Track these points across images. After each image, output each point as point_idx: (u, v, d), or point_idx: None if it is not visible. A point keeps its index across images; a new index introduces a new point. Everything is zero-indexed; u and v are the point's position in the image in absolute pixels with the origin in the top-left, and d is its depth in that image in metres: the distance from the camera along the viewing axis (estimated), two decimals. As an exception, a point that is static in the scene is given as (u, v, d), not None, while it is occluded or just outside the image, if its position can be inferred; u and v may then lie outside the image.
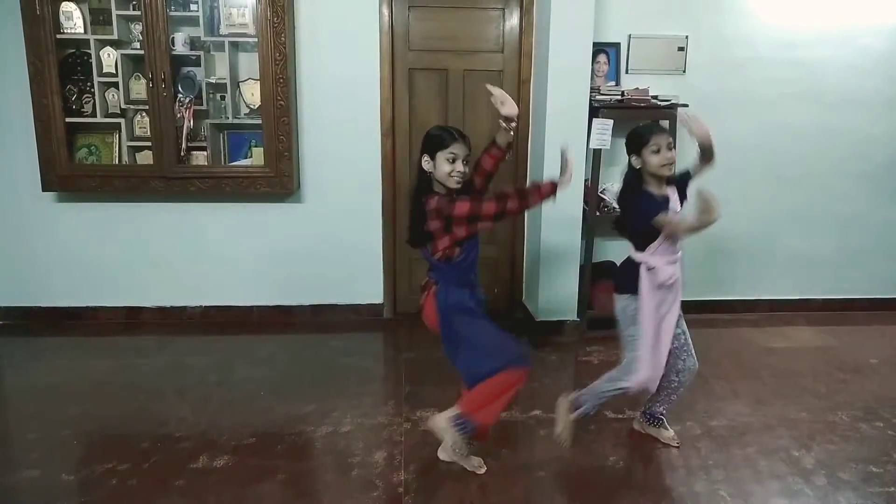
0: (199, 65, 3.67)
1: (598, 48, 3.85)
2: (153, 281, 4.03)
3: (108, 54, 3.64)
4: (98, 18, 3.60)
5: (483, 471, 2.51)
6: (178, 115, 3.65)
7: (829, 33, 4.09)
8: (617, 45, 3.96)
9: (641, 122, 2.61)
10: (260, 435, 2.79)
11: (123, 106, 3.68)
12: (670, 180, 2.50)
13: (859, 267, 4.44)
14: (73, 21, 3.58)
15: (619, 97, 3.76)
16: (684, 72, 4.00)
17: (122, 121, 3.71)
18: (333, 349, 3.72)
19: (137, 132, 3.77)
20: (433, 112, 3.98)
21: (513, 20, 3.95)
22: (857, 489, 2.46)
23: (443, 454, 2.58)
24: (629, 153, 2.50)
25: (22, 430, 2.85)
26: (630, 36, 3.95)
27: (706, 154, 2.47)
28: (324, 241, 4.04)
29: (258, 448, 2.69)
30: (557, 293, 3.89)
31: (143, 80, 3.60)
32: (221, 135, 3.85)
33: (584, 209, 3.84)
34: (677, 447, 2.72)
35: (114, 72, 3.63)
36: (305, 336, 3.94)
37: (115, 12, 3.53)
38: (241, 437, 2.75)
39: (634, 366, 2.50)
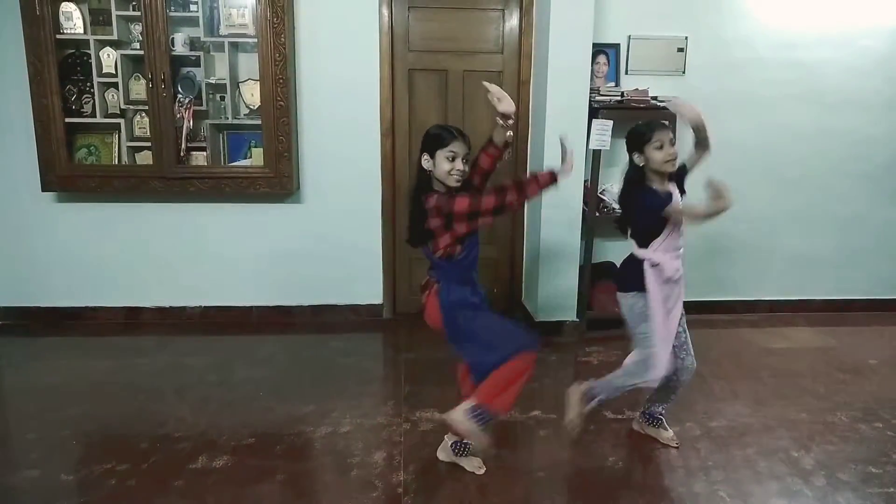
0: (198, 65, 3.67)
1: (598, 49, 3.85)
2: (153, 281, 4.03)
3: (108, 55, 3.64)
4: (98, 19, 3.60)
5: (482, 471, 2.51)
6: (178, 116, 3.65)
7: (829, 34, 4.09)
8: (616, 46, 3.96)
9: (641, 122, 2.61)
10: (259, 435, 2.79)
11: (123, 106, 3.68)
12: (670, 176, 2.51)
13: (859, 267, 4.44)
14: (73, 21, 3.58)
15: (619, 98, 3.76)
16: (684, 73, 4.01)
17: (121, 121, 3.71)
18: (333, 349, 3.72)
19: (137, 132, 3.77)
20: (433, 113, 3.98)
21: (512, 21, 3.95)
22: (856, 490, 2.46)
23: (442, 454, 2.59)
24: (631, 151, 2.50)
25: (21, 430, 2.85)
26: (630, 37, 3.96)
27: (701, 141, 2.49)
28: (323, 241, 4.04)
29: (257, 448, 2.69)
30: (557, 293, 3.89)
31: (143, 81, 3.61)
32: (221, 135, 3.85)
33: (583, 210, 3.84)
34: (676, 448, 2.72)
35: (113, 72, 3.63)
36: (305, 336, 3.94)
37: (114, 13, 3.53)
38: (241, 438, 2.75)
39: (651, 362, 2.49)
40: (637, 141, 2.47)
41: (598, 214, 3.90)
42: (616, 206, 3.81)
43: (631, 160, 2.52)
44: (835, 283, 4.45)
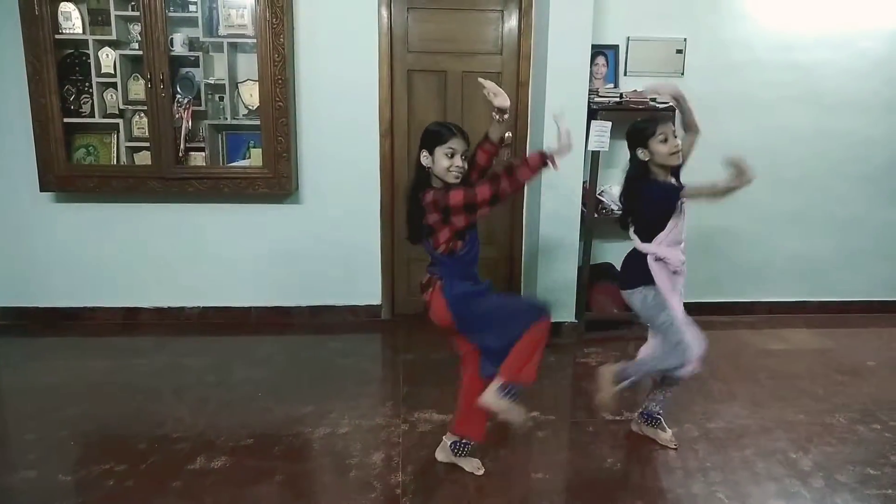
0: (197, 65, 3.67)
1: (597, 50, 3.86)
2: (151, 281, 4.03)
3: (107, 55, 3.64)
4: (97, 19, 3.59)
5: (481, 472, 2.51)
6: (177, 116, 3.65)
7: (828, 36, 4.09)
8: (615, 48, 3.96)
9: (640, 119, 2.62)
10: (258, 436, 2.78)
11: (122, 106, 3.68)
12: (671, 170, 2.52)
13: (857, 269, 4.44)
14: (72, 21, 3.57)
15: (618, 99, 3.76)
16: (683, 74, 4.00)
17: (120, 121, 3.70)
18: (331, 350, 3.72)
19: (136, 133, 3.77)
20: (432, 113, 3.98)
21: (511, 22, 3.95)
22: (854, 491, 2.46)
23: (440, 455, 2.59)
24: (634, 147, 2.51)
25: (19, 431, 2.85)
26: (629, 38, 3.96)
27: (688, 122, 2.52)
28: (322, 241, 4.04)
29: (256, 449, 2.68)
30: (555, 294, 3.89)
31: (142, 81, 3.60)
32: (220, 135, 3.85)
33: (582, 211, 3.85)
34: (675, 449, 2.72)
35: (112, 72, 3.63)
36: (303, 337, 3.94)
37: (113, 13, 3.52)
38: (239, 438, 2.75)
39: (683, 344, 2.49)
40: (640, 136, 2.48)
41: (596, 215, 3.90)
42: (615, 207, 3.82)
43: (634, 157, 2.52)
44: (833, 285, 4.45)
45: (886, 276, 4.47)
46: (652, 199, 2.49)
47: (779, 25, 4.05)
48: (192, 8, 3.60)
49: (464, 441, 2.52)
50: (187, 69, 3.70)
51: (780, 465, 2.63)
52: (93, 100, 3.66)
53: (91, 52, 3.59)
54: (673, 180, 2.53)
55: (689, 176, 2.60)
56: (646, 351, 2.67)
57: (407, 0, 3.87)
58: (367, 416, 2.96)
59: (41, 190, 3.72)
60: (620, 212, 2.77)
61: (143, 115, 3.68)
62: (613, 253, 4.07)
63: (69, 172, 3.69)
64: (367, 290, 4.14)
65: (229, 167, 3.82)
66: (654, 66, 4.00)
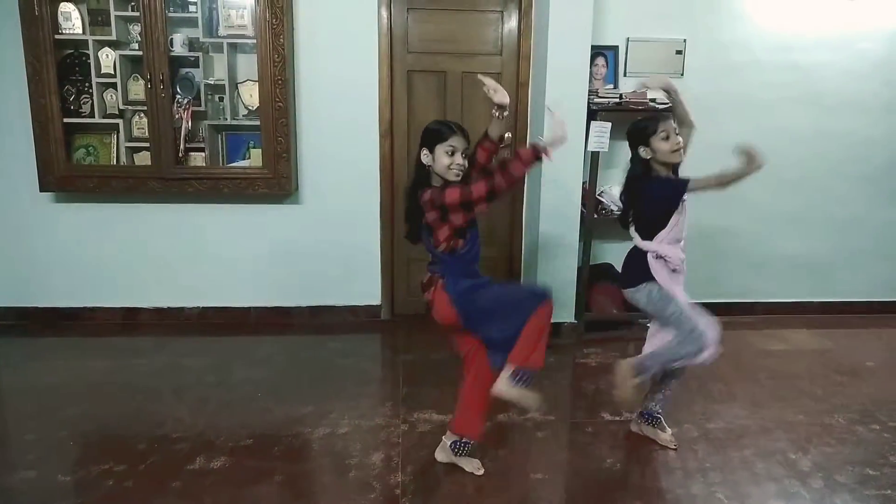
0: (197, 66, 3.67)
1: (597, 51, 3.86)
2: (151, 281, 4.03)
3: (107, 55, 3.64)
4: (96, 19, 3.59)
5: (481, 472, 2.52)
6: (177, 116, 3.65)
7: (827, 37, 4.09)
8: (615, 48, 3.96)
9: (640, 117, 2.63)
10: (257, 436, 2.78)
11: (122, 107, 3.68)
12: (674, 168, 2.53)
13: (857, 270, 4.44)
14: (72, 22, 3.57)
15: (618, 100, 3.76)
16: (682, 75, 4.01)
17: (120, 121, 3.70)
18: (331, 350, 3.72)
19: (135, 133, 3.77)
20: (431, 114, 3.96)
21: (511, 23, 3.95)
22: (853, 492, 2.46)
23: (440, 455, 2.59)
24: (636, 146, 2.51)
25: (19, 431, 2.85)
26: (628, 39, 3.96)
27: (681, 116, 2.53)
28: (322, 242, 4.04)
29: (255, 449, 2.69)
30: (555, 295, 3.85)
31: (142, 81, 3.60)
32: (220, 136, 3.85)
33: (582, 211, 3.85)
34: (675, 449, 2.72)
35: (112, 72, 3.63)
36: (303, 337, 3.94)
37: (113, 13, 3.52)
38: (239, 439, 2.75)
39: (695, 335, 2.48)
40: (641, 134, 2.48)
41: (596, 216, 3.90)
42: (615, 207, 3.82)
43: (635, 155, 2.52)
44: (832, 286, 4.45)
45: (886, 276, 4.47)
46: (655, 196, 2.49)
47: (778, 26, 4.05)
48: (191, 8, 3.60)
49: (463, 441, 2.52)
50: (187, 69, 3.70)
51: (780, 465, 2.63)
52: (93, 100, 3.66)
53: (91, 52, 3.59)
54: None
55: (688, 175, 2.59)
56: (650, 347, 2.66)
57: (407, 0, 3.87)
58: (367, 417, 2.96)
59: (41, 190, 3.73)
60: (621, 210, 2.77)
61: (142, 115, 3.69)
62: (613, 253, 4.07)
63: (69, 173, 3.69)
64: (366, 290, 4.15)
65: (229, 167, 3.82)
66: (654, 67, 3.99)
